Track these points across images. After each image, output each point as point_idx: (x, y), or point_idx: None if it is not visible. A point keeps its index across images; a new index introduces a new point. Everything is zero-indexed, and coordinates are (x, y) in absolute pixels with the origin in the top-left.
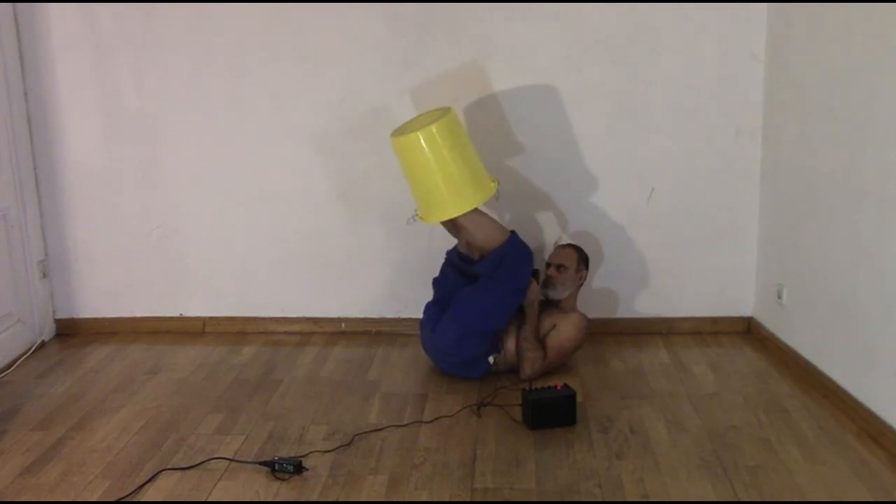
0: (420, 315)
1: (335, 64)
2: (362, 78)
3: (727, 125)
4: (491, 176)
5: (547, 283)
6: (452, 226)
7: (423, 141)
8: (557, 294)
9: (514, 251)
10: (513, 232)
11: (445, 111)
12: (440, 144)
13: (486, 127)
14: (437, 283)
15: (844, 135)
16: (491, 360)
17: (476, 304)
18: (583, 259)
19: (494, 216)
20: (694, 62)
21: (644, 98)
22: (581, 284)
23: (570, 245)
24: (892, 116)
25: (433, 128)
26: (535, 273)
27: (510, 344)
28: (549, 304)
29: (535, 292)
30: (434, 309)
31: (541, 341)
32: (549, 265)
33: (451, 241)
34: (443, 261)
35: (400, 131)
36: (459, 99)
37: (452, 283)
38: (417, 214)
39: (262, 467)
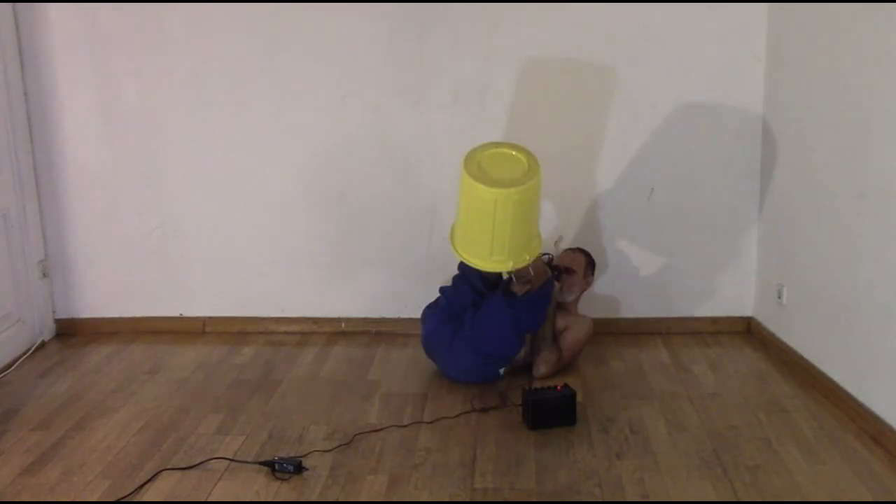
0: (420, 315)
1: (335, 64)
2: (362, 78)
3: (727, 125)
4: (542, 240)
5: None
6: (517, 274)
7: (495, 198)
8: (564, 297)
9: (546, 293)
10: (552, 277)
11: (534, 169)
12: (507, 209)
13: (485, 128)
14: (448, 294)
15: (844, 135)
16: (501, 371)
17: (494, 332)
18: (591, 264)
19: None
20: (694, 62)
21: (644, 98)
22: (586, 289)
23: (579, 249)
24: (892, 116)
25: (524, 187)
26: (558, 275)
27: (521, 352)
28: (556, 305)
29: (555, 295)
30: (447, 327)
31: (557, 343)
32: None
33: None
34: (445, 261)
35: (478, 169)
36: (459, 99)
37: (466, 298)
38: (454, 247)
39: (262, 467)
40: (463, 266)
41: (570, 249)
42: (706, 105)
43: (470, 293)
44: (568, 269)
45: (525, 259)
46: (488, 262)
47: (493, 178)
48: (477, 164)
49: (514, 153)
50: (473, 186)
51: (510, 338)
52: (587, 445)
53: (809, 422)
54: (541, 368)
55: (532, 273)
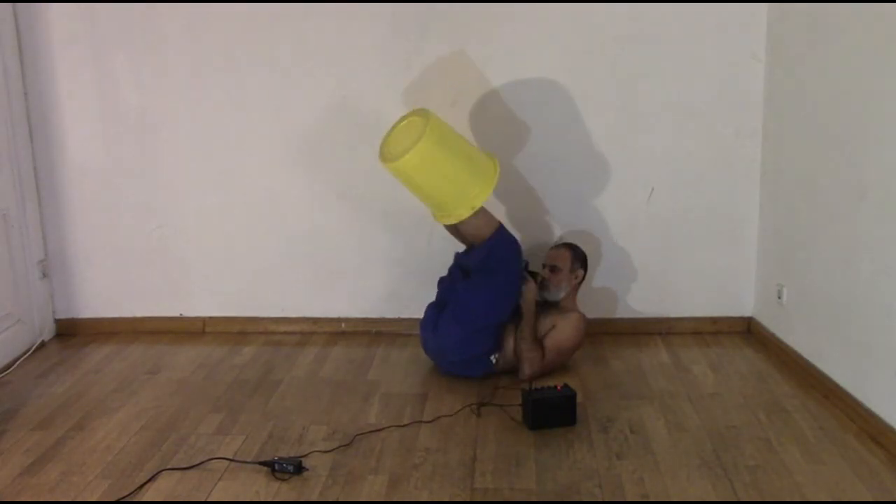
0: (420, 315)
1: (335, 64)
2: (362, 78)
3: (727, 125)
4: (488, 153)
5: (542, 285)
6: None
7: (415, 159)
8: (552, 295)
9: (503, 242)
10: (500, 224)
11: (425, 117)
12: (434, 156)
13: (486, 127)
14: (443, 282)
15: (844, 135)
16: (493, 359)
17: (472, 297)
18: (578, 258)
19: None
20: (694, 62)
21: (644, 98)
22: (579, 284)
23: (564, 244)
24: (892, 116)
25: (423, 142)
26: (534, 274)
27: (510, 344)
28: (548, 305)
29: (532, 292)
30: (434, 310)
31: (539, 341)
32: (543, 266)
33: (451, 242)
34: (445, 261)
35: (389, 153)
36: (459, 99)
37: (457, 281)
38: (437, 218)
39: (262, 467)
40: (457, 254)
41: (555, 245)
42: (706, 105)
43: (457, 274)
44: (552, 267)
45: (494, 170)
46: (467, 204)
47: (394, 154)
48: (386, 148)
49: (406, 121)
50: (397, 168)
51: (487, 298)
52: (587, 445)
53: (809, 422)
54: (525, 369)
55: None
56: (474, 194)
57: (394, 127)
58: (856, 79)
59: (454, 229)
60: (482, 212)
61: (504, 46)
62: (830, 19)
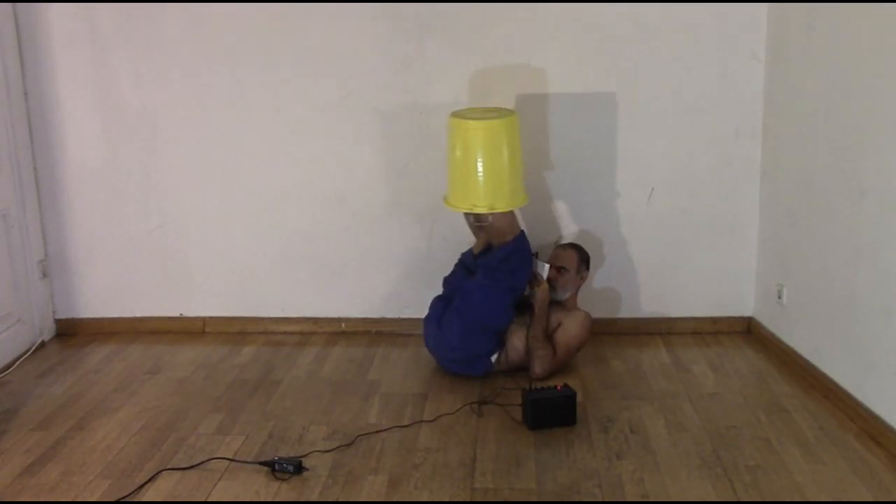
0: (421, 315)
1: (335, 64)
2: (362, 78)
3: (727, 125)
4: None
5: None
6: (478, 217)
7: (492, 129)
8: (559, 296)
9: (521, 250)
10: (522, 232)
11: (512, 111)
12: (503, 139)
13: None
14: (448, 281)
15: (844, 135)
16: (493, 359)
17: (479, 297)
18: (583, 259)
19: None
20: (694, 62)
21: (644, 98)
22: (581, 284)
23: (570, 245)
24: (891, 116)
25: (504, 121)
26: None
27: (514, 343)
28: (551, 303)
29: (545, 291)
30: (441, 303)
31: (550, 340)
32: (550, 267)
33: (452, 242)
34: (445, 261)
35: (472, 116)
36: (459, 99)
37: (460, 280)
38: (449, 201)
39: (262, 467)
40: (463, 254)
41: (561, 246)
42: (706, 105)
43: (462, 273)
44: (559, 268)
45: (506, 203)
46: (512, 199)
47: (491, 117)
48: (460, 114)
49: (495, 108)
50: (483, 127)
51: (491, 301)
52: (587, 445)
53: (809, 422)
54: (535, 367)
55: (491, 221)
56: (517, 194)
57: (473, 108)
58: (855, 79)
59: (477, 225)
60: (512, 214)
61: (504, 46)
62: (830, 19)
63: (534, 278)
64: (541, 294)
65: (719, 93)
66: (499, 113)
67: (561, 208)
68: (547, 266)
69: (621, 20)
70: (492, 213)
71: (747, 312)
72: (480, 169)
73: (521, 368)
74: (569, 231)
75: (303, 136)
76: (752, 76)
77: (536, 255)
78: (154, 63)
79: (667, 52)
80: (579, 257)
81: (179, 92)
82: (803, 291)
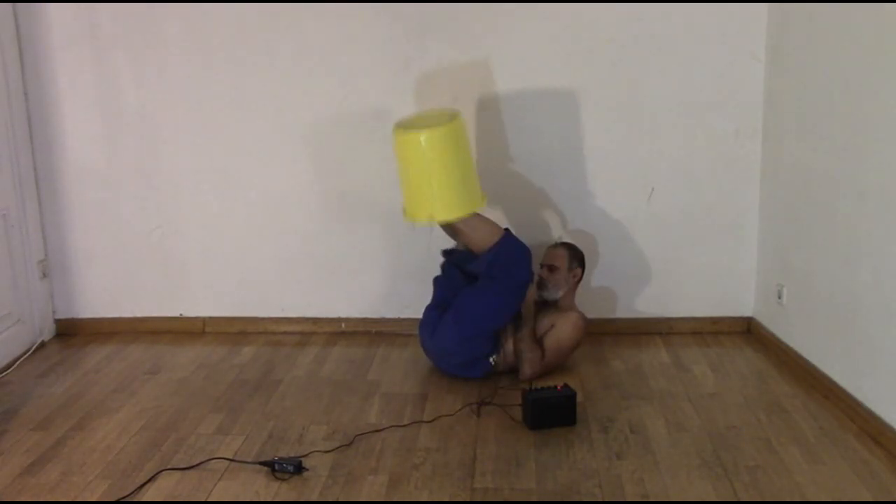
0: (420, 315)
1: (335, 64)
2: (362, 78)
3: (727, 125)
4: (483, 192)
5: (540, 285)
6: (450, 228)
7: (425, 142)
8: (551, 294)
9: (508, 249)
10: (506, 230)
11: (454, 115)
12: (443, 147)
13: (486, 127)
14: (439, 282)
15: (844, 135)
16: (492, 360)
17: (476, 303)
18: (576, 257)
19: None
20: (694, 62)
21: (644, 98)
22: (577, 283)
23: (562, 244)
24: (892, 116)
25: (441, 129)
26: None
27: (509, 345)
28: (547, 305)
29: (530, 293)
30: (435, 312)
31: (538, 341)
32: (542, 266)
33: (451, 242)
34: (441, 260)
35: (405, 125)
36: (459, 99)
37: (457, 283)
38: (407, 213)
39: (262, 467)
40: (445, 252)
41: (552, 245)
42: (706, 105)
43: (457, 273)
44: (550, 267)
45: (482, 201)
46: (444, 210)
47: (419, 126)
48: (404, 125)
49: (432, 110)
50: (405, 140)
51: (489, 305)
52: (587, 445)
53: (809, 422)
54: (525, 370)
55: (462, 229)
56: (473, 198)
57: (420, 113)
58: (855, 79)
59: (462, 240)
60: (481, 224)
61: (504, 46)
62: (830, 19)
63: None
64: (527, 294)
65: (719, 93)
66: (438, 120)
67: (561, 208)
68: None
69: (622, 20)
70: (456, 221)
71: (747, 312)
72: (430, 179)
73: (516, 369)
74: (569, 231)
75: (303, 136)
76: (752, 76)
77: None
78: (154, 63)
79: (667, 52)
80: (570, 255)
81: (179, 92)
82: (803, 291)
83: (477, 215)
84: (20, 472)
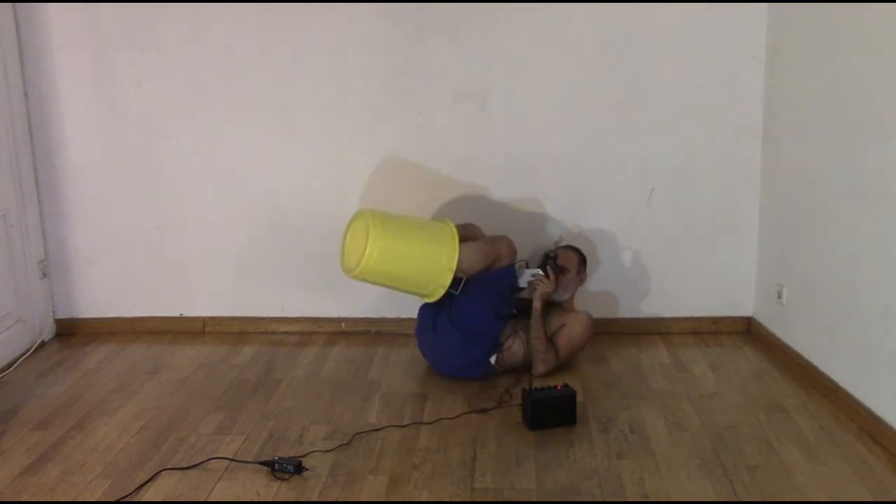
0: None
1: (335, 64)
2: (362, 78)
3: (727, 125)
4: (440, 218)
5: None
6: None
7: (373, 258)
8: (559, 296)
9: (498, 278)
10: (494, 241)
11: (363, 219)
12: (391, 246)
13: (486, 127)
14: None
15: (844, 135)
16: (493, 360)
17: (468, 305)
18: (583, 261)
19: (491, 216)
20: (694, 62)
21: (644, 98)
22: (580, 285)
23: (570, 247)
24: (892, 116)
25: (371, 244)
26: (554, 270)
27: (509, 344)
28: (551, 305)
29: (547, 290)
30: (429, 311)
31: (551, 339)
32: (546, 257)
33: None
34: None
35: (349, 263)
36: (459, 99)
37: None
38: (424, 297)
39: (262, 467)
40: None
41: (563, 248)
42: (706, 105)
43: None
44: (562, 269)
45: (452, 233)
46: (442, 274)
47: (353, 262)
48: (346, 261)
49: (350, 232)
50: (365, 268)
51: (480, 310)
52: (587, 445)
53: (809, 422)
54: (539, 367)
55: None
56: (446, 257)
57: (343, 241)
58: (855, 79)
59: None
60: (471, 248)
61: (504, 46)
62: (830, 19)
63: (518, 287)
64: (544, 289)
65: (719, 93)
66: (360, 234)
67: (560, 209)
68: (533, 271)
69: (622, 20)
70: (458, 269)
71: (747, 312)
72: (408, 274)
73: (519, 368)
74: (569, 231)
75: (303, 136)
76: (752, 76)
77: (526, 264)
78: (154, 63)
79: (667, 52)
80: (579, 258)
81: (179, 92)
82: (803, 291)
83: (463, 245)
84: (20, 472)
